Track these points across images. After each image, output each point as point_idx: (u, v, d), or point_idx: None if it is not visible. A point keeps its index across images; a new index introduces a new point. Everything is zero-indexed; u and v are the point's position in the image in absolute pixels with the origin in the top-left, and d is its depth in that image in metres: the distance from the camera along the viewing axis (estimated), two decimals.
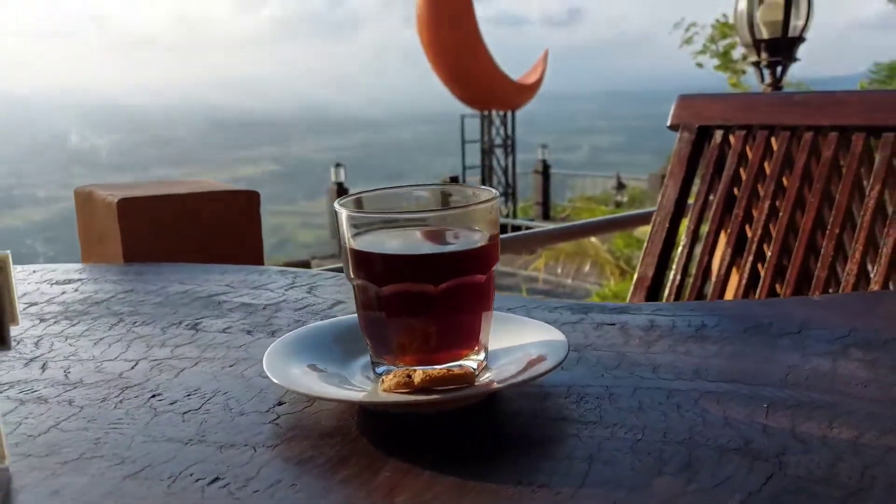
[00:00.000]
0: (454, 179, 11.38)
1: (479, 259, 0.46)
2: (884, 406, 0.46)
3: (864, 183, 1.09)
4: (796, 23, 2.39)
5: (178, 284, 0.79)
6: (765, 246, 1.19)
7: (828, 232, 1.10)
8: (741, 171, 1.22)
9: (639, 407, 0.46)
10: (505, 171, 12.79)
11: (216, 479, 0.39)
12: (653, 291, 1.26)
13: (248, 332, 0.63)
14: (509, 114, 13.92)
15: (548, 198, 15.54)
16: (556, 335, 0.50)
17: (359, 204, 0.48)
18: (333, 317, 0.65)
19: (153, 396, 0.50)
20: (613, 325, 0.61)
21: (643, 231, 6.67)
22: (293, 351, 0.49)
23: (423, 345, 0.47)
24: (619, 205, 8.56)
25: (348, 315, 0.56)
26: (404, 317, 0.46)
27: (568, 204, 16.19)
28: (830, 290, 1.07)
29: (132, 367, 0.55)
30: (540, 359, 0.46)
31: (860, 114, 1.10)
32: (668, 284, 1.24)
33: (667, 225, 1.27)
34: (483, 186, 0.49)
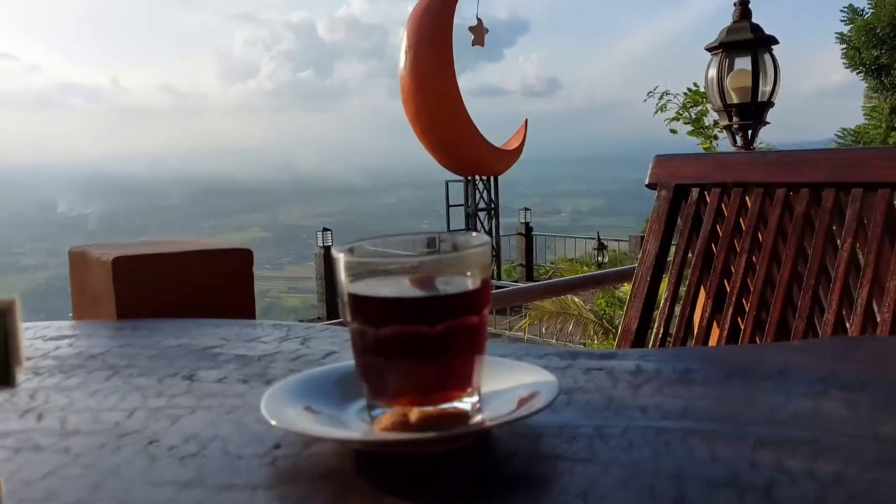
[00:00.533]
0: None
1: (473, 301, 0.48)
2: (866, 442, 0.47)
3: (836, 237, 1.13)
4: (764, 88, 2.50)
5: (172, 338, 0.80)
6: (744, 300, 1.22)
7: (804, 284, 1.13)
8: (718, 227, 1.26)
9: (629, 445, 0.47)
10: (489, 234, 12.91)
11: None
12: (637, 343, 1.28)
13: (244, 382, 0.63)
14: (492, 179, 14.16)
15: (531, 259, 15.65)
16: (546, 376, 0.51)
17: (355, 251, 0.50)
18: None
19: (150, 443, 0.50)
20: (601, 370, 0.63)
21: (625, 290, 6.70)
22: (290, 395, 0.50)
23: (419, 386, 0.48)
24: (600, 265, 8.64)
25: (343, 362, 0.57)
26: (400, 359, 0.48)
27: (550, 265, 16.31)
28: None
29: (129, 416, 0.56)
30: (532, 396, 0.47)
31: (829, 171, 1.14)
32: (652, 337, 1.26)
33: (648, 279, 1.30)
34: (474, 233, 0.52)
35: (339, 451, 0.47)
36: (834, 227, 1.15)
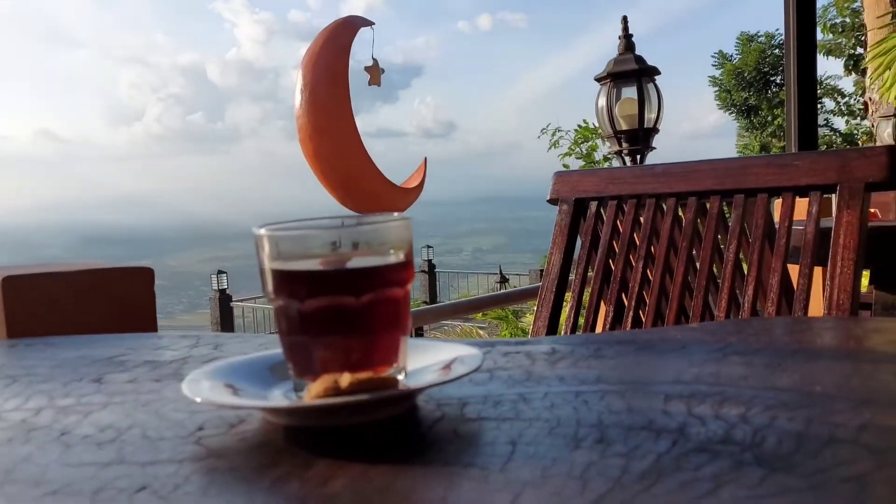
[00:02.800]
0: None
1: (397, 274, 0.49)
2: (764, 391, 0.51)
3: (722, 243, 1.22)
4: (650, 115, 2.68)
5: (72, 351, 0.76)
6: (640, 311, 1.28)
7: (695, 290, 1.20)
8: (614, 240, 1.33)
9: (551, 405, 0.49)
10: None
11: (143, 487, 0.38)
12: None
13: (157, 381, 0.61)
14: None
15: (435, 296, 15.74)
16: (468, 350, 0.53)
17: (277, 230, 0.51)
18: None
19: (63, 434, 0.48)
20: (518, 353, 0.65)
21: (528, 321, 6.81)
22: (213, 376, 0.49)
23: (346, 361, 0.49)
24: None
25: (269, 351, 0.57)
26: (326, 334, 0.48)
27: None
28: None
29: (36, 415, 0.53)
30: (456, 363, 0.48)
31: (714, 180, 1.23)
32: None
33: (554, 290, 1.34)
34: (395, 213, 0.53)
35: (267, 428, 0.46)
36: (719, 236, 1.24)
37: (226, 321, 12.28)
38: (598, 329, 1.34)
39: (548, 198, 1.44)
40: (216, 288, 12.55)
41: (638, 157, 2.38)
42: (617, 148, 2.37)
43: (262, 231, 0.49)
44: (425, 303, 14.91)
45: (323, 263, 0.49)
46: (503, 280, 8.94)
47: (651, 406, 0.48)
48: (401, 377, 0.51)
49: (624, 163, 2.40)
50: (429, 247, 14.66)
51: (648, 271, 1.28)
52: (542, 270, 1.69)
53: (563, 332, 1.31)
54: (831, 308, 1.04)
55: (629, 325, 1.26)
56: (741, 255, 1.19)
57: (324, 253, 0.50)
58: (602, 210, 1.38)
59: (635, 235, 1.31)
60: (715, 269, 1.22)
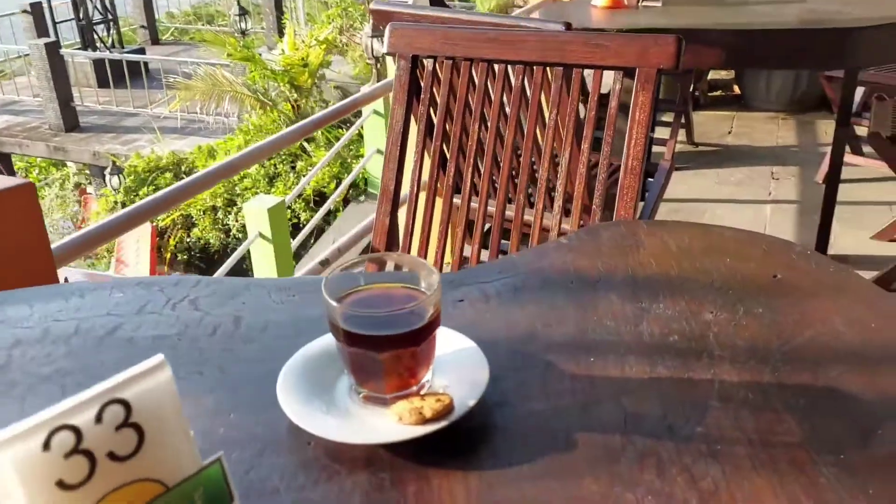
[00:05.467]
0: None
1: (436, 322, 0.68)
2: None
3: (545, 108, 1.45)
4: None
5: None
6: (478, 159, 1.51)
7: (522, 149, 1.45)
8: (450, 101, 1.50)
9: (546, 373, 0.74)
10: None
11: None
12: (395, 200, 1.53)
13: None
14: None
15: (152, 17, 14.18)
16: (466, 342, 0.74)
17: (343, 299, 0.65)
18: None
19: None
20: (462, 301, 0.87)
21: (285, 61, 6.60)
22: (298, 393, 0.67)
23: (400, 378, 0.68)
24: (244, 33, 8.25)
25: (308, 347, 0.73)
26: (392, 368, 0.67)
27: (173, 24, 15.00)
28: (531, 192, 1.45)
29: None
30: (475, 368, 0.70)
31: (538, 52, 1.42)
32: (408, 193, 1.51)
33: (399, 143, 1.51)
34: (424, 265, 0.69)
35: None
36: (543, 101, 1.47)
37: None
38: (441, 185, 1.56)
39: (384, 50, 1.53)
40: None
41: None
42: None
43: (335, 304, 0.64)
44: (143, 27, 13.52)
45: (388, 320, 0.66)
46: (243, 12, 8.28)
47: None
48: (430, 377, 0.71)
49: None
50: None
51: (481, 131, 1.49)
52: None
53: (411, 183, 1.50)
54: (625, 173, 1.36)
55: (467, 184, 1.50)
56: (559, 120, 1.45)
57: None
58: (438, 68, 1.52)
59: (469, 97, 1.49)
60: (538, 132, 1.47)
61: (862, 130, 3.46)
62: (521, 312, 0.86)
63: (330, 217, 6.35)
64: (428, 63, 1.51)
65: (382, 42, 4.58)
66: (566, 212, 1.47)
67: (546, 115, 1.45)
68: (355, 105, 2.52)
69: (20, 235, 1.07)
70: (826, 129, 4.44)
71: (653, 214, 2.39)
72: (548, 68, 1.46)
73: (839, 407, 0.69)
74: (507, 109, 1.48)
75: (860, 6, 2.63)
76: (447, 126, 1.51)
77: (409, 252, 1.51)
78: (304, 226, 6.50)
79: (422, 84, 1.52)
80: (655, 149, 3.36)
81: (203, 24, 15.19)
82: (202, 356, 0.79)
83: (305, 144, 7.11)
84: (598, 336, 0.81)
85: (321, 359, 0.72)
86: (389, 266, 0.75)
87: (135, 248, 6.93)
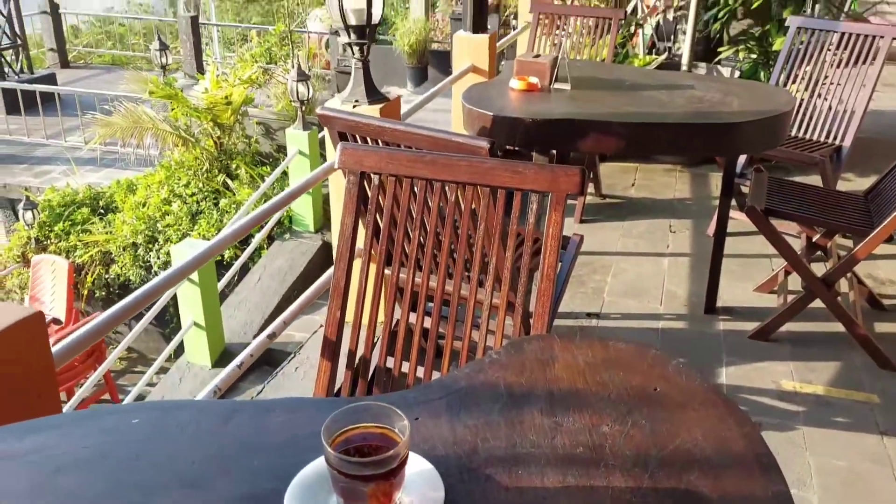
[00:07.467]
0: None
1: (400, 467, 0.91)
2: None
3: (477, 219, 1.71)
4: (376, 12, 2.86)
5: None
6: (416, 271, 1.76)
7: (457, 256, 1.71)
8: (394, 210, 1.74)
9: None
10: (8, 19, 10.87)
11: None
12: (345, 297, 1.75)
13: None
14: None
15: (62, 40, 13.82)
16: (425, 464, 0.98)
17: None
18: None
19: None
20: (417, 419, 1.11)
21: (209, 100, 6.65)
22: None
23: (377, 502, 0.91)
24: (164, 68, 8.22)
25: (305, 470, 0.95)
26: (371, 492, 0.90)
27: (85, 49, 14.65)
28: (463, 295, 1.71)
29: None
30: (432, 489, 0.94)
31: (468, 175, 1.68)
32: (356, 292, 1.74)
33: (349, 247, 1.74)
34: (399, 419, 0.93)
35: None
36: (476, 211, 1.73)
37: None
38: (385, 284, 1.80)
39: (336, 166, 1.76)
40: None
41: (364, 48, 2.63)
42: (347, 39, 2.58)
43: (332, 452, 0.86)
44: (52, 50, 13.21)
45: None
46: (164, 47, 8.25)
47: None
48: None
49: (353, 51, 2.64)
50: None
51: (421, 237, 1.74)
52: None
53: (359, 282, 1.73)
54: (542, 278, 1.64)
55: (410, 281, 1.74)
56: (486, 228, 1.71)
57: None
58: (383, 182, 1.76)
59: (411, 206, 1.73)
60: (469, 238, 1.73)
61: (747, 188, 3.90)
62: (463, 428, 1.10)
63: (254, 255, 6.44)
64: (374, 178, 1.75)
65: (308, 87, 4.81)
66: (493, 307, 1.73)
67: (477, 223, 1.71)
68: (307, 186, 2.73)
69: (29, 363, 1.23)
70: (717, 182, 4.93)
71: (567, 281, 2.70)
72: (477, 187, 1.72)
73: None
74: (444, 217, 1.73)
75: (738, 97, 3.05)
76: (391, 231, 1.75)
77: (356, 345, 1.73)
78: (227, 263, 6.58)
79: (369, 195, 1.76)
80: (568, 202, 3.69)
81: (113, 45, 14.91)
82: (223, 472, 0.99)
83: (229, 181, 7.19)
84: (524, 450, 1.06)
85: (316, 480, 0.94)
86: (369, 411, 0.97)
87: (50, 286, 6.80)
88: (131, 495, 0.96)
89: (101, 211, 7.49)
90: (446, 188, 1.72)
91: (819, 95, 4.28)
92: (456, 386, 1.20)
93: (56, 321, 6.50)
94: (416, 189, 1.75)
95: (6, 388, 1.20)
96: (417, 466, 0.98)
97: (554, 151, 3.11)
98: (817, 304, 3.13)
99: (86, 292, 7.12)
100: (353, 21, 2.66)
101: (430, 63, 9.80)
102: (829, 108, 4.20)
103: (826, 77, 4.25)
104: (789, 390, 2.95)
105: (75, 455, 1.02)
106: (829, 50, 4.23)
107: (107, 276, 7.11)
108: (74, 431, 1.07)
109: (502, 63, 6.56)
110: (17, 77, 10.67)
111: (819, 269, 3.34)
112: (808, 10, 5.78)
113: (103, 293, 7.17)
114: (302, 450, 1.01)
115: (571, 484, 1.00)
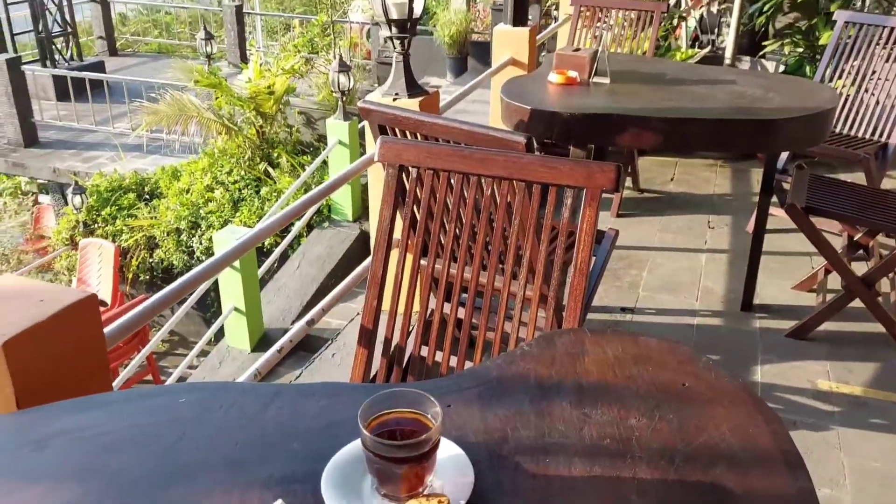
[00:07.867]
0: None
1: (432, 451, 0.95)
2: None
3: (512, 212, 1.74)
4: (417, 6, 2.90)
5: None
6: (451, 262, 1.79)
7: (491, 248, 1.74)
8: (431, 202, 1.78)
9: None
10: (59, 7, 11.17)
11: None
12: (382, 285, 1.80)
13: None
14: None
15: (111, 30, 14.13)
16: (456, 450, 1.02)
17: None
18: None
19: None
20: (450, 406, 1.15)
21: (252, 89, 6.78)
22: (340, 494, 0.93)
23: (411, 482, 0.96)
24: (209, 57, 8.38)
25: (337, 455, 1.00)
26: (409, 476, 0.94)
27: (133, 38, 14.96)
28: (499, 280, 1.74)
29: None
30: (462, 474, 0.98)
31: (504, 169, 1.71)
32: (392, 282, 1.79)
33: (386, 239, 1.78)
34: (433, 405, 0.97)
35: None
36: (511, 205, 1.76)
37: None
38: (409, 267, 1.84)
39: (375, 159, 1.80)
40: None
41: (406, 41, 2.67)
42: (388, 33, 2.62)
43: (367, 434, 0.91)
44: (101, 38, 13.48)
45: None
46: (209, 37, 8.41)
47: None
48: (446, 493, 0.98)
49: (394, 45, 2.68)
50: None
51: (457, 229, 1.78)
52: None
53: (396, 271, 1.77)
54: (575, 273, 1.66)
55: (445, 272, 1.78)
56: (521, 222, 1.74)
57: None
58: (421, 175, 1.80)
59: (448, 199, 1.77)
60: (504, 231, 1.76)
61: (788, 184, 3.85)
62: (494, 417, 1.14)
63: (294, 242, 6.55)
64: (413, 171, 1.78)
65: (349, 77, 4.88)
66: (526, 300, 1.76)
67: (512, 216, 1.74)
68: (346, 178, 2.78)
69: (83, 343, 1.30)
70: (757, 178, 4.86)
71: (601, 276, 2.71)
72: (513, 181, 1.75)
73: (719, 499, 0.99)
74: (480, 210, 1.76)
75: (780, 93, 3.01)
76: (428, 223, 1.79)
77: (392, 333, 1.78)
78: (268, 250, 6.71)
79: (407, 187, 1.80)
80: (604, 196, 3.69)
81: (160, 34, 15.19)
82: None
83: (270, 170, 7.30)
84: (553, 439, 1.09)
85: (352, 462, 0.99)
86: (403, 397, 1.01)
87: (97, 269, 7.01)
88: (176, 475, 1.01)
89: (147, 196, 7.69)
90: (482, 182, 1.75)
91: (866, 91, 4.19)
92: (488, 376, 1.24)
93: (102, 303, 6.71)
94: (452, 182, 1.78)
95: (61, 367, 1.27)
96: (449, 452, 1.01)
97: (592, 146, 3.11)
98: (857, 303, 3.09)
99: (130, 275, 7.32)
100: (394, 15, 2.70)
101: (471, 53, 9.80)
102: (877, 103, 4.11)
103: (874, 72, 4.16)
104: (825, 390, 2.92)
105: (124, 433, 1.08)
106: (879, 45, 4.14)
107: (151, 261, 7.30)
108: (125, 409, 1.13)
109: (542, 54, 6.55)
110: (67, 64, 10.97)
111: (860, 268, 3.29)
112: (858, 4, 5.64)
113: (147, 277, 7.36)
114: (339, 433, 1.06)
115: (598, 474, 1.03)
